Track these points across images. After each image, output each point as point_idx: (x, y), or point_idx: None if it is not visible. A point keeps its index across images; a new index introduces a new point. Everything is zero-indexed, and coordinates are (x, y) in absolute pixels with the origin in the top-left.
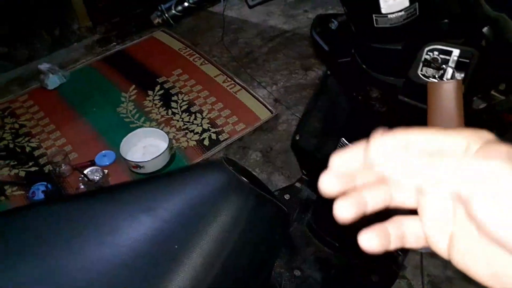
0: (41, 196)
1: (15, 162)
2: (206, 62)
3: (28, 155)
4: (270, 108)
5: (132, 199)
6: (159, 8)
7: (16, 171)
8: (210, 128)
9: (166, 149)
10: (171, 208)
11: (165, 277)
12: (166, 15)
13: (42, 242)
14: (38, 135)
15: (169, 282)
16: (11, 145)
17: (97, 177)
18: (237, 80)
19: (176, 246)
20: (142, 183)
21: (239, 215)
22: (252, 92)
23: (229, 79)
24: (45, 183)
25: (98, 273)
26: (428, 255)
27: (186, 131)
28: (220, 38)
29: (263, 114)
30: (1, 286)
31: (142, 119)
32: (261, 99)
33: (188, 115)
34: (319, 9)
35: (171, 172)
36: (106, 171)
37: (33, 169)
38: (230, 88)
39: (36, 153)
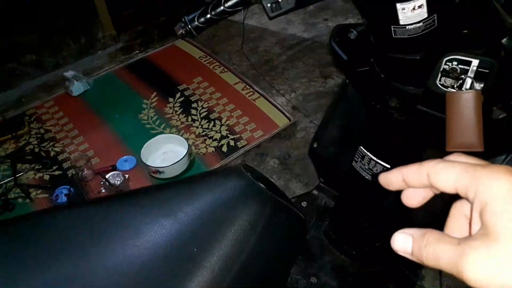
0: (64, 199)
1: (40, 166)
2: (226, 70)
3: (53, 160)
4: (288, 115)
5: (154, 203)
6: (183, 19)
7: (40, 174)
8: (228, 135)
9: (185, 155)
10: (191, 212)
11: (184, 279)
12: (190, 26)
13: (69, 243)
14: (62, 140)
15: (188, 283)
16: (37, 149)
17: (118, 182)
18: (256, 88)
19: (195, 249)
20: (163, 188)
21: (256, 220)
22: (270, 99)
23: (248, 87)
24: (68, 186)
25: (121, 274)
26: None
27: (205, 137)
28: (239, 47)
29: (281, 122)
30: (32, 285)
31: (163, 125)
32: (279, 107)
33: (207, 122)
34: (339, 18)
35: (191, 178)
36: (127, 175)
37: (57, 173)
38: (249, 96)
39: (60, 157)
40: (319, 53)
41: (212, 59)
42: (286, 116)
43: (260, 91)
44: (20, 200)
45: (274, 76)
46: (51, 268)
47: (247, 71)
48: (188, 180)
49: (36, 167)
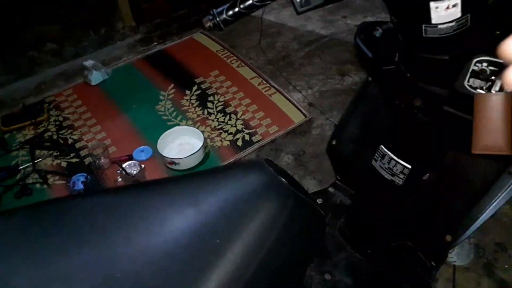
0: (80, 186)
1: (58, 153)
2: (243, 64)
3: (70, 147)
4: (304, 112)
5: (178, 193)
6: (211, 12)
7: (58, 161)
8: (243, 129)
9: (201, 147)
10: (214, 203)
11: (206, 270)
12: (218, 19)
13: (94, 230)
14: (80, 128)
15: (210, 274)
16: (55, 137)
17: (135, 171)
18: (273, 83)
19: (217, 241)
20: (187, 179)
21: (278, 214)
22: (287, 95)
23: (265, 82)
24: (85, 174)
25: (145, 261)
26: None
27: (221, 131)
28: (257, 41)
29: (297, 118)
30: (57, 269)
31: (179, 117)
32: (295, 103)
33: (223, 116)
34: (358, 15)
35: (214, 170)
36: (143, 165)
37: (74, 160)
38: (265, 91)
39: (78, 145)
40: (337, 50)
41: (229, 53)
42: (302, 113)
43: (276, 86)
44: (38, 185)
45: (291, 72)
46: (76, 253)
47: (264, 66)
48: (210, 171)
49: (54, 153)
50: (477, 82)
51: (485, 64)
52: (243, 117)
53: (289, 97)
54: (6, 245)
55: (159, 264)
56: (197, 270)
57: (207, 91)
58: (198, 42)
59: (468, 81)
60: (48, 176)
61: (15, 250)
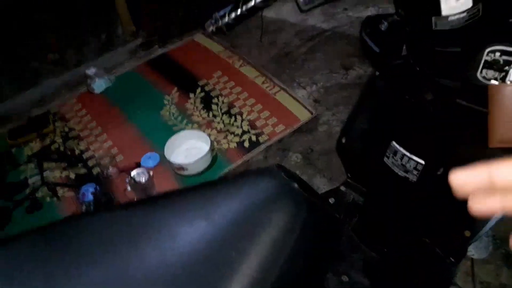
0: (90, 197)
1: (66, 164)
2: (245, 63)
3: (78, 158)
4: (309, 109)
5: (189, 205)
6: (214, 16)
7: (66, 173)
8: (250, 130)
9: (208, 151)
10: (227, 214)
11: (223, 283)
12: (220, 23)
13: (106, 248)
14: (86, 138)
15: None
16: (62, 148)
17: (143, 179)
18: (276, 81)
19: (233, 253)
20: (197, 189)
21: (293, 222)
22: (291, 93)
23: (268, 80)
24: (94, 184)
25: (160, 278)
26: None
27: (227, 133)
28: (258, 39)
29: (303, 115)
30: None
31: (184, 121)
32: (300, 100)
33: (228, 117)
34: (360, 7)
35: (223, 179)
36: (151, 172)
37: (82, 171)
38: (270, 90)
39: (85, 155)
40: (340, 43)
41: (231, 53)
42: (307, 110)
43: (280, 84)
44: (48, 199)
45: (294, 69)
46: (89, 273)
47: (267, 64)
48: (220, 181)
49: (62, 165)
50: (490, 73)
51: (498, 54)
52: (248, 117)
53: (294, 95)
54: (17, 269)
55: (173, 280)
56: (213, 284)
57: (211, 93)
58: (199, 44)
59: (481, 72)
60: (57, 188)
61: (26, 274)
